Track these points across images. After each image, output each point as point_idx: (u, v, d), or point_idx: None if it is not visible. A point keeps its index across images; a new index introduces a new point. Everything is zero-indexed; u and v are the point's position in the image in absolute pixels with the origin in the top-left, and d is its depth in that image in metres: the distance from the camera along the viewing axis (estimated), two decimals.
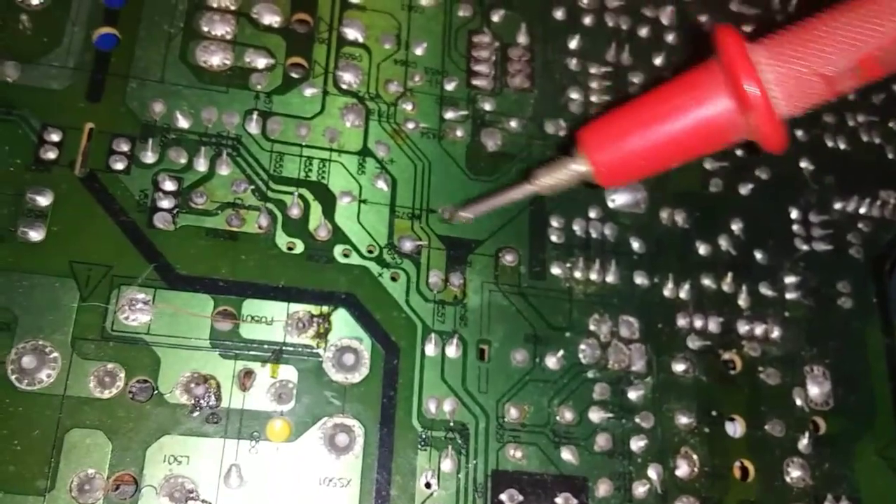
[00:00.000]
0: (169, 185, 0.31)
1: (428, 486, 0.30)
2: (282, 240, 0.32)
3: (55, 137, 0.31)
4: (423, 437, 0.30)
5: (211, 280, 0.31)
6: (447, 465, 0.30)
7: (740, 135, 0.27)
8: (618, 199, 0.35)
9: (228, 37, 0.33)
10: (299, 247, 0.32)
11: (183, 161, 0.32)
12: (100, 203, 0.31)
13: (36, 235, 0.30)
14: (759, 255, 0.36)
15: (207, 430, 0.29)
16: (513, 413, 0.31)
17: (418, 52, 0.35)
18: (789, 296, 0.36)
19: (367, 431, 0.30)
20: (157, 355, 0.29)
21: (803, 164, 0.37)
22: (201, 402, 0.28)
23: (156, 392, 0.29)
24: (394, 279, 0.32)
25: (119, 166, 0.31)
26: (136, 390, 0.29)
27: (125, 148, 0.31)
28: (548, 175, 0.29)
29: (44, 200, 0.30)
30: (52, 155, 0.31)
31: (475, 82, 0.36)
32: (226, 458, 0.29)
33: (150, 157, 0.31)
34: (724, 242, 0.36)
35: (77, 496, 0.27)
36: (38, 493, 0.27)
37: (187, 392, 0.29)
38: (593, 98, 0.37)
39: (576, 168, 0.29)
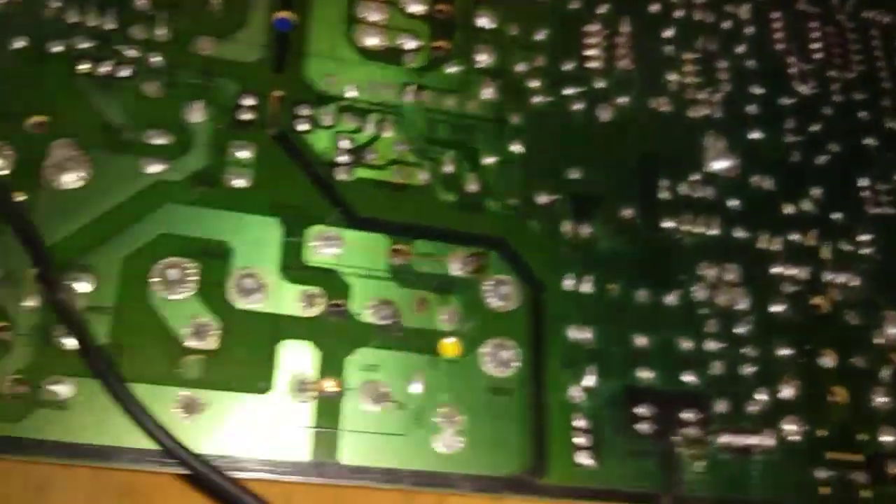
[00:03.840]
0: (344, 144, 0.36)
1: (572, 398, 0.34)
2: (439, 191, 0.37)
3: (249, 102, 0.36)
4: (568, 360, 0.36)
5: (385, 222, 0.35)
6: (590, 380, 0.34)
7: None
8: (715, 165, 0.40)
9: (382, 22, 0.38)
10: (453, 197, 0.37)
11: (354, 125, 0.36)
12: (290, 156, 0.35)
13: (241, 182, 0.34)
14: (835, 216, 0.42)
15: (392, 345, 0.33)
16: (640, 341, 0.36)
17: (538, 37, 0.40)
18: (864, 251, 0.41)
19: (522, 351, 0.34)
20: (346, 283, 0.34)
21: (866, 141, 0.43)
22: (387, 321, 0.33)
23: (349, 313, 0.33)
24: (531, 227, 0.37)
25: (303, 127, 0.36)
26: (333, 310, 0.33)
27: (306, 112, 0.36)
28: None
29: (245, 154, 0.34)
30: (248, 116, 0.35)
31: (588, 65, 0.41)
32: (409, 368, 0.33)
33: (327, 121, 0.36)
34: (805, 205, 0.41)
35: (291, 395, 0.32)
36: (260, 392, 0.32)
37: (375, 313, 0.33)
38: (687, 80, 0.42)
39: None
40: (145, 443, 0.30)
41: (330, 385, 0.33)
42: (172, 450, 0.28)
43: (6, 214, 0.30)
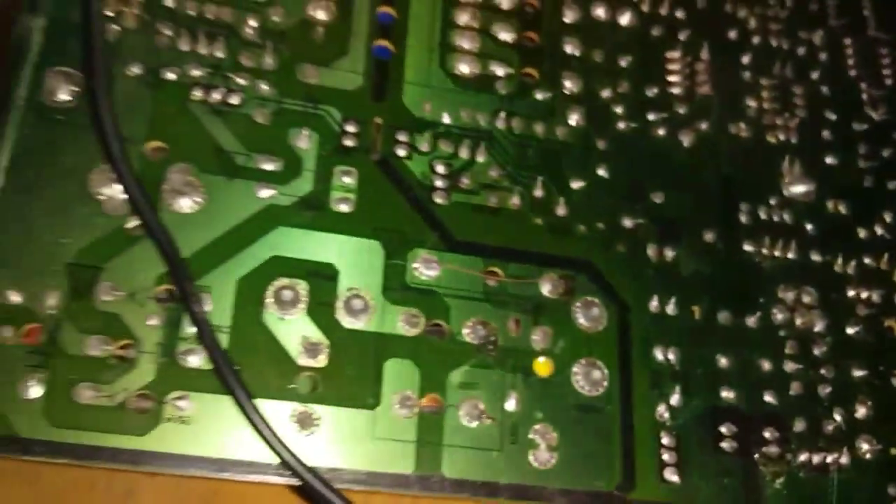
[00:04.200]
0: (441, 169, 0.38)
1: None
2: (531, 214, 0.39)
3: (352, 129, 0.37)
4: (654, 379, 0.37)
5: (480, 244, 0.37)
6: (675, 399, 0.36)
7: None
8: (792, 190, 0.42)
9: (475, 50, 0.40)
10: (543, 221, 0.39)
11: (449, 150, 0.38)
12: (391, 181, 0.37)
13: (346, 207, 0.36)
14: None
15: (489, 363, 0.35)
16: (723, 362, 0.38)
17: (622, 63, 0.42)
18: None
19: (611, 371, 0.36)
20: (446, 303, 0.36)
21: None
22: (483, 341, 0.35)
23: (448, 332, 0.35)
24: (618, 250, 0.39)
25: (402, 153, 0.38)
26: (433, 330, 0.35)
27: (404, 138, 0.38)
28: None
29: (349, 179, 0.36)
30: (350, 142, 0.37)
31: (670, 90, 0.42)
32: (504, 386, 0.35)
33: (425, 146, 0.38)
34: (878, 228, 0.43)
35: (398, 410, 0.34)
36: (369, 408, 0.34)
37: (472, 333, 0.35)
38: (765, 105, 0.43)
39: None
40: (262, 456, 0.33)
41: (431, 402, 0.34)
42: (291, 463, 0.30)
43: (149, 228, 0.31)
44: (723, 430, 0.37)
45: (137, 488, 0.34)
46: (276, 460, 0.31)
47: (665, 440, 0.35)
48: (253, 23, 0.38)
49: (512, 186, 0.38)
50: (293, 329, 0.34)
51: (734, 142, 0.43)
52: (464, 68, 0.40)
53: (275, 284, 0.34)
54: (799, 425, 0.38)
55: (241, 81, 0.36)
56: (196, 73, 0.37)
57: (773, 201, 0.42)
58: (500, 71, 0.41)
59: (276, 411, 0.32)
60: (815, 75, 0.45)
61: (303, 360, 0.33)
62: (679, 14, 0.45)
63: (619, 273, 0.39)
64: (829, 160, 0.44)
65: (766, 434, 0.38)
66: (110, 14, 0.36)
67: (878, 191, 0.44)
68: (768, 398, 0.38)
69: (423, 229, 0.37)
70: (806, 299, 0.40)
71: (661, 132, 0.42)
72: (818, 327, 0.39)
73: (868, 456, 0.38)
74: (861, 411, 0.39)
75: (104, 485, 0.34)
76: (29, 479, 0.32)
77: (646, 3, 0.44)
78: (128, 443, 0.31)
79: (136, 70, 0.36)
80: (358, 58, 0.39)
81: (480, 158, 0.38)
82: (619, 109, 0.41)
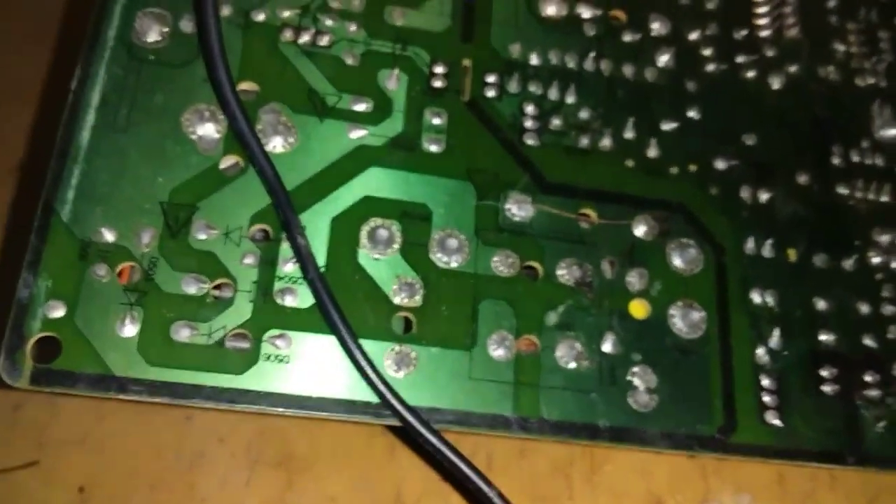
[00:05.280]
0: (530, 110, 0.37)
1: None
2: (622, 156, 0.38)
3: (441, 70, 0.37)
4: (752, 322, 0.37)
5: (572, 186, 0.37)
6: (774, 342, 0.35)
7: None
8: (883, 133, 0.41)
9: None
10: (635, 163, 0.38)
11: (539, 91, 0.37)
12: (482, 123, 0.37)
13: (437, 148, 0.35)
14: None
15: (585, 304, 0.35)
16: (821, 304, 0.37)
17: (709, 6, 0.41)
18: None
19: (708, 313, 0.35)
20: (539, 244, 0.35)
21: None
22: (580, 282, 0.34)
23: (542, 273, 0.34)
24: (711, 192, 0.38)
25: (491, 94, 0.37)
26: (527, 272, 0.34)
27: (493, 80, 0.37)
28: None
29: (439, 120, 0.36)
30: (440, 84, 0.36)
31: (758, 33, 0.41)
32: (601, 327, 0.34)
33: (514, 88, 0.37)
34: None
35: (493, 351, 0.33)
36: (465, 348, 0.33)
37: (569, 274, 0.34)
38: (852, 49, 0.42)
39: None
40: (361, 395, 0.32)
41: (528, 343, 0.34)
42: (392, 403, 0.30)
43: (257, 164, 0.31)
44: (823, 373, 0.36)
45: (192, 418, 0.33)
46: (375, 399, 0.30)
47: (765, 382, 0.34)
48: None
49: (602, 128, 0.37)
50: (388, 269, 0.33)
51: (823, 85, 0.42)
52: (550, 10, 0.39)
53: (369, 224, 0.32)
54: None
55: (330, 23, 0.35)
56: (286, 14, 0.36)
57: (864, 144, 0.41)
58: (586, 13, 0.39)
59: (373, 351, 0.31)
60: None
61: (398, 300, 0.32)
62: None
63: (713, 215, 0.38)
64: None
65: (867, 377, 0.37)
66: None
67: None
68: (867, 341, 0.37)
69: (515, 170, 0.36)
70: None
71: (750, 75, 0.41)
72: None
73: None
74: None
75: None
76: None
77: None
78: (226, 381, 0.30)
79: (226, 12, 0.36)
80: (445, 1, 0.38)
81: (570, 100, 0.37)
82: (707, 52, 0.40)
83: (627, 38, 0.39)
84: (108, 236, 0.31)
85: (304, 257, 0.30)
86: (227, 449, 0.33)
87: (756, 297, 0.36)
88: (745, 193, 0.38)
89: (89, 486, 0.32)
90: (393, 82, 0.35)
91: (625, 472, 0.35)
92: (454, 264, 0.34)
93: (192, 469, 0.33)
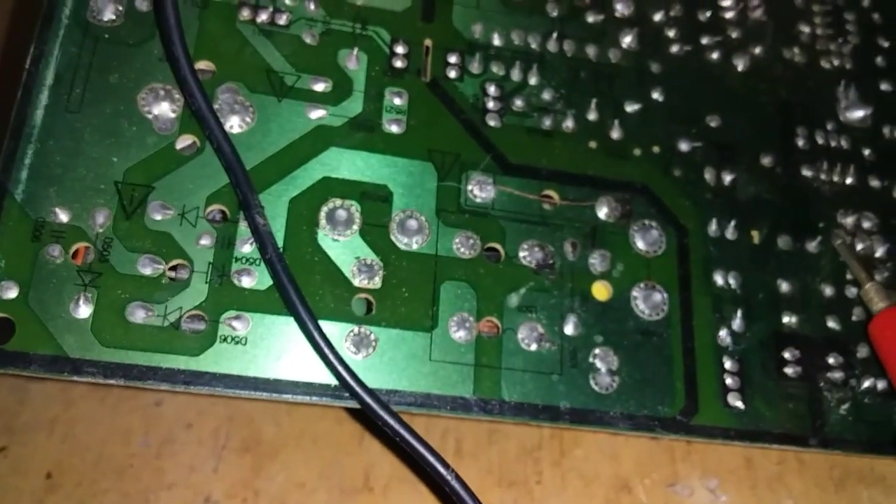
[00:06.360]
0: (493, 91, 0.36)
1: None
2: (585, 138, 0.38)
3: (401, 50, 0.36)
4: (715, 304, 0.37)
5: (534, 168, 0.36)
6: (737, 324, 0.35)
7: None
8: (848, 115, 0.40)
9: None
10: (598, 144, 0.38)
11: (501, 72, 0.37)
12: (443, 103, 0.36)
13: (397, 128, 0.35)
14: None
15: (546, 286, 0.34)
16: (784, 287, 0.36)
17: None
18: None
19: (671, 295, 0.35)
20: (501, 226, 0.35)
21: None
22: (542, 264, 0.34)
23: (503, 255, 0.34)
24: (674, 174, 0.38)
25: (453, 74, 0.37)
26: (488, 254, 0.34)
27: (455, 60, 0.37)
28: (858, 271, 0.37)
29: (399, 100, 0.35)
30: (400, 64, 0.36)
31: (724, 15, 0.41)
32: (563, 309, 0.34)
33: (476, 68, 0.37)
34: None
35: (454, 333, 0.33)
36: (426, 330, 0.33)
37: (530, 256, 0.34)
38: (818, 31, 0.42)
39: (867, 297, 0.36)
40: (319, 377, 0.32)
41: (490, 325, 0.33)
42: (352, 386, 0.29)
43: (215, 141, 0.30)
44: (786, 355, 0.36)
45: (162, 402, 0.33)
46: (333, 382, 0.29)
47: (728, 364, 0.34)
48: None
49: (565, 109, 0.36)
50: (348, 250, 0.32)
51: (788, 67, 0.42)
52: None
53: (328, 205, 0.32)
54: (862, 351, 0.37)
55: (289, 2, 0.35)
56: None
57: (829, 126, 0.40)
58: None
59: (332, 333, 0.31)
60: (865, 2, 0.44)
61: (358, 281, 0.31)
62: None
63: (676, 197, 0.38)
64: (883, 86, 0.43)
65: (830, 360, 0.37)
66: None
67: None
68: (831, 324, 0.37)
69: (477, 151, 0.36)
70: (866, 224, 0.38)
71: (714, 56, 0.41)
72: (879, 252, 0.38)
73: None
74: None
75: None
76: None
77: None
78: (182, 363, 0.30)
79: None
80: None
81: (532, 81, 0.37)
82: (671, 33, 0.39)
83: (591, 18, 0.39)
84: (63, 217, 0.31)
85: (262, 236, 0.29)
86: (195, 435, 0.33)
87: (719, 279, 0.36)
88: (708, 175, 0.38)
89: (57, 472, 0.31)
90: (353, 62, 0.35)
91: (594, 456, 0.35)
92: (415, 246, 0.33)
93: (160, 455, 0.32)
